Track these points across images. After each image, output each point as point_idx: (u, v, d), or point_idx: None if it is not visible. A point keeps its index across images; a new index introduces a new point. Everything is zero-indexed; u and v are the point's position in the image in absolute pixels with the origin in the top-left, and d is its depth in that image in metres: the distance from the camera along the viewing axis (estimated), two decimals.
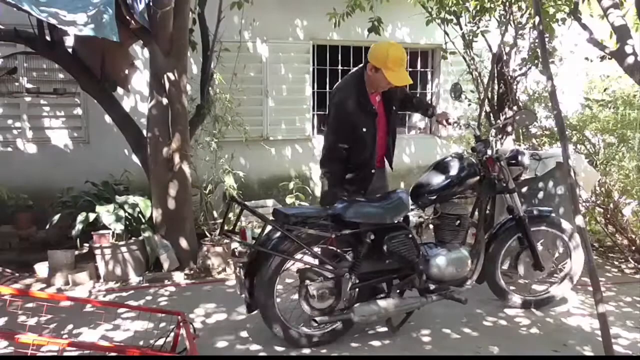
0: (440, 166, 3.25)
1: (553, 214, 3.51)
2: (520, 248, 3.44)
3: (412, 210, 3.16)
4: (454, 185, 3.15)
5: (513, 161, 3.35)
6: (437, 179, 3.17)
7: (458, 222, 3.19)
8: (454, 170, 3.17)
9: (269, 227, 2.93)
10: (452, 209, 3.20)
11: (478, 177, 3.23)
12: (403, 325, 3.22)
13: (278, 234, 2.88)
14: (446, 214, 3.20)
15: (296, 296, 2.97)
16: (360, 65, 3.34)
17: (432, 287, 3.12)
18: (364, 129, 3.16)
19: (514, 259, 3.47)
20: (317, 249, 3.00)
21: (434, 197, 3.16)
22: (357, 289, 2.99)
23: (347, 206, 2.93)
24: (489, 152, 3.27)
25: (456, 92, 3.53)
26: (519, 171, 3.41)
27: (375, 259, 3.03)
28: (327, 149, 3.26)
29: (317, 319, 2.89)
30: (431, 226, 3.29)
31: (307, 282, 2.89)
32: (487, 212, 3.42)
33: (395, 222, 3.02)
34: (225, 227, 2.89)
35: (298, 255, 2.92)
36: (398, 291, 3.09)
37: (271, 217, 2.96)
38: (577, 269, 3.55)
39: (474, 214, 3.35)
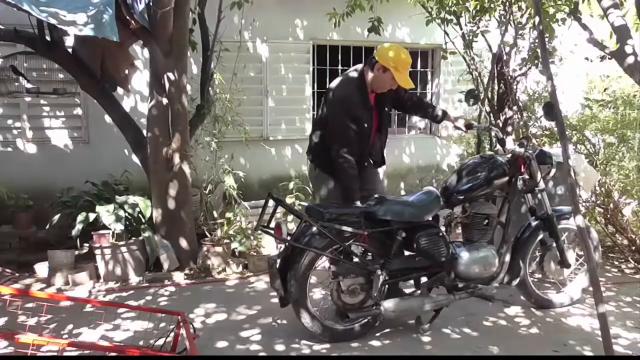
0: (470, 166, 3.30)
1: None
2: (544, 248, 3.46)
3: (442, 209, 3.22)
4: (483, 185, 3.20)
5: (541, 160, 3.39)
6: (467, 179, 3.22)
7: (486, 221, 3.25)
8: (483, 170, 3.23)
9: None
10: (481, 208, 3.25)
11: (507, 178, 3.27)
12: (404, 326, 3.23)
13: (312, 230, 2.94)
14: (475, 213, 3.25)
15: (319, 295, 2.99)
16: (359, 65, 3.37)
17: (460, 284, 3.18)
18: (365, 125, 3.22)
19: (540, 259, 3.50)
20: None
21: (463, 197, 3.21)
22: (386, 286, 3.05)
23: (380, 204, 3.01)
24: (521, 151, 3.31)
25: (474, 98, 3.54)
26: (548, 169, 3.44)
27: (406, 256, 3.12)
28: (342, 144, 3.17)
29: (350, 314, 2.97)
30: (459, 225, 3.34)
31: (340, 277, 2.96)
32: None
33: (426, 220, 3.09)
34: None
35: (331, 251, 2.97)
36: (427, 288, 3.16)
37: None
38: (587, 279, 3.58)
39: (501, 214, 3.39)
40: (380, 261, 3.02)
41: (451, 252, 3.15)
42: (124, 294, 3.96)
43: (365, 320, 3.07)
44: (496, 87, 5.17)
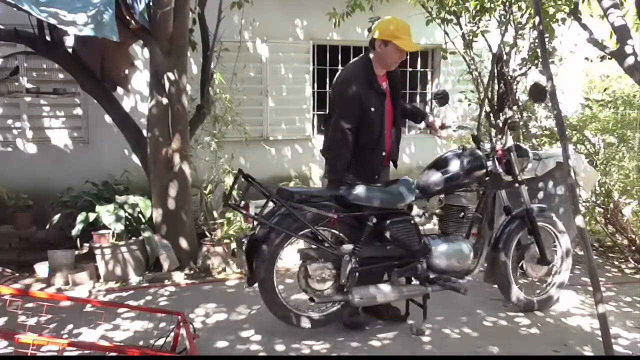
0: (448, 158, 3.27)
1: (549, 211, 3.52)
2: (524, 246, 3.44)
3: (416, 199, 3.19)
4: (460, 177, 3.17)
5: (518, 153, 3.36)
6: (444, 170, 3.20)
7: (462, 214, 3.23)
8: (460, 162, 3.20)
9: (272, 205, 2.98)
10: (457, 200, 3.23)
11: (485, 171, 3.25)
12: (403, 325, 3.24)
13: (282, 210, 2.92)
14: (450, 205, 3.23)
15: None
16: (361, 54, 3.33)
17: (432, 276, 3.15)
18: (373, 108, 3.10)
19: (519, 257, 3.46)
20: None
21: (440, 188, 3.19)
22: (357, 273, 3.00)
23: (352, 189, 2.98)
24: (499, 144, 3.30)
25: (441, 99, 3.43)
26: (526, 162, 3.43)
27: (377, 244, 3.07)
28: (333, 130, 3.13)
29: (315, 299, 2.93)
30: (435, 217, 3.33)
31: (307, 262, 2.92)
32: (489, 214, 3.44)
33: (399, 208, 3.06)
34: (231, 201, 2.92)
35: (301, 234, 2.95)
36: (399, 278, 3.11)
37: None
38: (565, 275, 3.54)
39: (479, 208, 3.35)
40: (350, 247, 2.97)
41: (424, 243, 3.11)
42: (124, 294, 3.96)
43: (336, 307, 3.03)
44: (496, 87, 5.17)
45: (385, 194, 3.03)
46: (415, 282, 3.21)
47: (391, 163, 3.47)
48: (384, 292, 3.03)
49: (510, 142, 3.34)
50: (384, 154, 3.25)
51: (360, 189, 2.98)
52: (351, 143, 3.09)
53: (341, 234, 3.04)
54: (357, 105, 3.06)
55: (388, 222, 3.01)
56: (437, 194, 3.23)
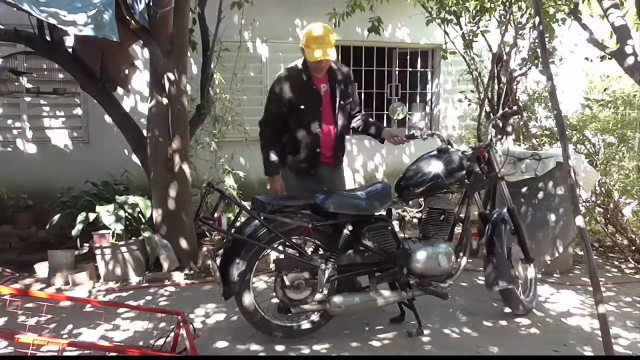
0: (426, 160, 3.23)
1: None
2: (508, 247, 3.38)
3: (395, 203, 3.17)
4: (439, 179, 3.11)
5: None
6: (422, 173, 3.15)
7: (442, 216, 3.17)
8: (439, 163, 3.15)
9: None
10: (437, 203, 3.18)
11: (464, 171, 3.20)
12: (402, 324, 3.24)
13: (255, 222, 2.88)
14: (430, 208, 3.18)
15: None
16: None
17: (412, 281, 3.11)
18: (302, 106, 3.27)
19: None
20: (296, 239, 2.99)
21: (419, 191, 3.14)
22: (336, 281, 2.97)
23: (326, 196, 2.93)
24: (480, 144, 3.32)
25: (395, 112, 3.42)
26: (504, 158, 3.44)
27: (355, 251, 3.03)
28: (263, 116, 3.42)
29: (292, 310, 2.90)
30: (415, 220, 3.30)
31: (283, 272, 2.89)
32: (488, 210, 3.44)
33: (376, 214, 3.01)
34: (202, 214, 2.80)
35: (276, 245, 2.92)
36: (378, 284, 3.07)
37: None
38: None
39: (461, 209, 3.32)
40: (327, 255, 2.94)
41: (404, 248, 3.07)
42: (124, 294, 3.96)
43: (313, 316, 3.01)
44: (496, 87, 5.17)
45: (359, 200, 2.97)
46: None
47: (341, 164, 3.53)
48: (361, 299, 2.99)
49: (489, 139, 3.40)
50: (318, 150, 3.32)
51: (334, 197, 2.94)
52: (270, 133, 3.33)
53: (318, 242, 3.01)
54: (275, 103, 3.33)
55: (364, 228, 2.97)
56: (416, 197, 3.18)
